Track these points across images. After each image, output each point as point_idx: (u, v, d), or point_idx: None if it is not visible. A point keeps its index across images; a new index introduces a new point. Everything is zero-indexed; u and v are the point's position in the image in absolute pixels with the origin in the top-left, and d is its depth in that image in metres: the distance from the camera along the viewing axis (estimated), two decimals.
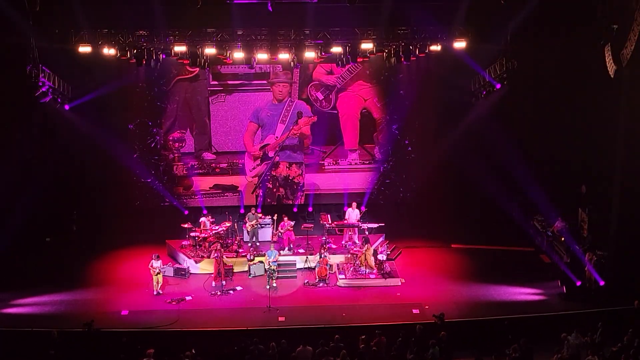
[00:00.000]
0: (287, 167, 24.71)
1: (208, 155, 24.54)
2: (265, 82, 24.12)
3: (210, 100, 24.19)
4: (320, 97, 24.38)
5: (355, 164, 24.92)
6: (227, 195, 24.74)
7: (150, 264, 18.98)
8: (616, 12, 17.71)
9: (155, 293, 18.95)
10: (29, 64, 18.96)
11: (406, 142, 24.78)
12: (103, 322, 16.70)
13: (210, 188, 24.67)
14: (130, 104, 23.88)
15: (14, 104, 20.90)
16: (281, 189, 24.82)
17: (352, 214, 21.72)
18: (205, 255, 20.54)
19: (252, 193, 24.71)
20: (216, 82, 24.09)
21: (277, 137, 24.43)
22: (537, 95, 22.20)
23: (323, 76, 24.23)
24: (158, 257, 19.11)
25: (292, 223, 21.55)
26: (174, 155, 24.41)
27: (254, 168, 24.68)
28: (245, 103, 24.30)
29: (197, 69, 22.81)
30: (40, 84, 19.52)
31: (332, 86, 24.30)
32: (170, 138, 24.28)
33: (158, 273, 19.00)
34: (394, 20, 20.00)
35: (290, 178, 24.76)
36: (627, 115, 18.47)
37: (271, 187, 24.72)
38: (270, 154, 24.55)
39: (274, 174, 24.70)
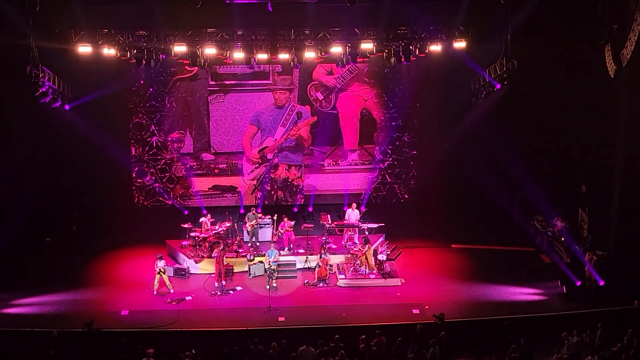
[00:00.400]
0: (286, 169, 24.68)
1: (207, 156, 24.50)
2: (264, 81, 24.07)
3: (209, 100, 24.17)
4: (320, 97, 24.37)
5: (355, 164, 24.90)
6: (226, 196, 24.73)
7: (155, 263, 19.02)
8: (616, 12, 17.72)
9: (155, 293, 18.96)
10: (29, 64, 18.95)
11: (406, 141, 24.77)
12: (103, 322, 16.69)
13: (209, 189, 24.63)
14: (129, 104, 23.86)
15: (14, 104, 20.88)
16: (280, 192, 24.77)
17: (352, 215, 21.73)
18: (205, 255, 20.54)
19: (251, 194, 24.70)
20: (215, 82, 24.04)
21: (275, 140, 24.41)
22: (537, 95, 22.20)
23: (323, 76, 24.22)
24: (161, 257, 19.16)
25: (292, 223, 21.56)
26: (173, 156, 24.37)
27: (252, 171, 24.64)
28: (245, 103, 24.27)
29: (196, 68, 22.81)
30: (40, 83, 19.51)
31: (332, 86, 24.28)
32: (169, 138, 24.21)
33: (159, 272, 19.01)
34: (394, 20, 19.99)
35: (289, 180, 24.73)
36: (627, 115, 18.48)
37: (269, 189, 24.69)
38: (269, 156, 24.53)
39: (273, 176, 24.66)
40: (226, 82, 24.06)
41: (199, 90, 24.07)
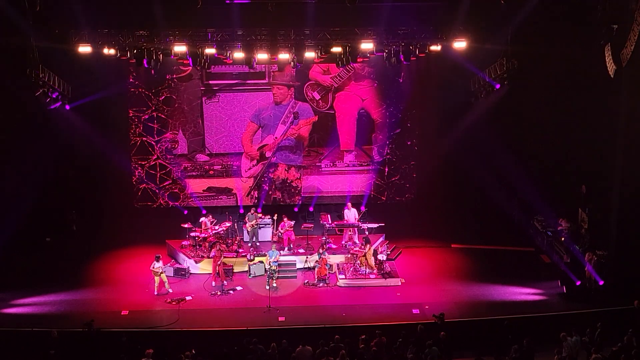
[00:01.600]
0: (285, 170, 24.63)
1: (201, 157, 24.43)
2: (260, 81, 23.94)
3: (203, 100, 24.07)
4: (317, 97, 24.30)
5: (353, 165, 24.83)
6: (221, 198, 24.64)
7: (151, 266, 18.99)
8: (616, 12, 17.72)
9: (156, 293, 18.96)
10: (29, 64, 18.94)
11: (406, 142, 24.75)
12: (103, 322, 16.70)
13: (203, 191, 24.55)
14: (127, 104, 23.85)
15: (14, 104, 20.88)
16: (277, 192, 24.74)
17: (350, 215, 21.74)
18: (205, 255, 20.55)
19: (247, 196, 24.61)
20: (209, 82, 23.93)
21: (276, 138, 24.37)
22: (537, 96, 22.20)
23: (319, 75, 24.14)
24: (159, 258, 19.12)
25: (292, 223, 21.56)
26: (168, 157, 24.28)
27: (249, 168, 24.59)
28: (240, 103, 24.15)
29: (190, 68, 22.85)
30: (41, 84, 19.52)
31: (329, 86, 24.20)
32: (163, 139, 24.13)
33: (161, 273, 19.02)
34: (394, 20, 19.99)
35: (288, 181, 24.70)
36: (627, 115, 18.48)
37: (267, 189, 24.64)
38: (268, 155, 24.48)
39: (272, 176, 24.62)
40: (221, 82, 23.95)
41: (193, 91, 23.97)
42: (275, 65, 23.34)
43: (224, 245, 20.21)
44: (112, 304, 18.49)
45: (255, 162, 24.52)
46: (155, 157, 24.22)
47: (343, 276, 19.83)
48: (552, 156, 22.56)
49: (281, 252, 20.51)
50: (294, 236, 21.39)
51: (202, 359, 14.87)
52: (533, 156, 22.78)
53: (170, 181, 24.44)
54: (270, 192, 24.68)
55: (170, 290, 19.07)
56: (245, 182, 24.61)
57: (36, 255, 21.38)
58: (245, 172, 24.57)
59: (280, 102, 24.15)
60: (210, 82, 23.95)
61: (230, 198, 24.62)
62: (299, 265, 20.54)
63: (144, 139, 24.07)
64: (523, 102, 22.15)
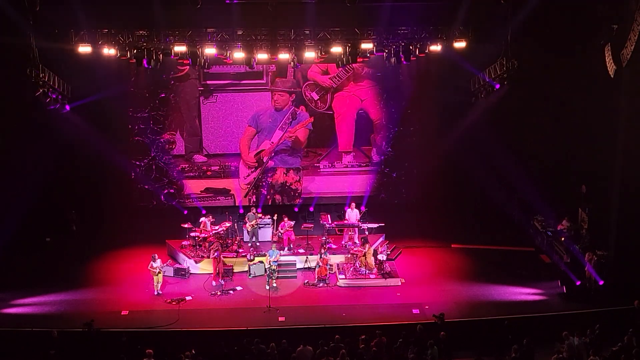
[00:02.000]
0: (284, 173, 24.60)
1: (199, 158, 24.40)
2: (257, 81, 23.89)
3: (200, 100, 24.03)
4: (316, 97, 24.27)
5: (352, 166, 24.80)
6: (219, 199, 24.61)
7: (149, 265, 18.98)
8: (616, 12, 17.74)
9: (155, 293, 18.95)
10: (29, 64, 18.95)
11: (406, 142, 24.74)
12: (103, 322, 16.70)
13: (201, 191, 24.53)
14: (125, 104, 23.84)
15: (14, 104, 20.89)
16: (277, 196, 24.70)
17: (352, 215, 21.72)
18: (205, 255, 20.54)
19: (245, 197, 24.59)
20: (206, 82, 23.88)
21: (272, 143, 24.31)
22: (537, 95, 22.21)
23: (318, 76, 24.10)
24: (155, 258, 19.09)
25: (292, 223, 21.54)
26: (165, 157, 24.24)
27: (248, 175, 24.54)
28: (238, 103, 24.11)
29: (187, 68, 22.85)
30: (41, 84, 19.51)
31: (328, 86, 24.15)
32: (161, 139, 24.10)
33: (159, 272, 19.02)
34: (394, 20, 19.99)
35: (287, 184, 24.67)
36: (627, 114, 18.48)
37: (266, 194, 24.59)
38: (265, 159, 24.43)
39: (271, 181, 24.57)
40: (218, 82, 23.89)
41: (190, 91, 23.89)
42: (274, 66, 23.31)
43: (219, 247, 20.13)
44: (112, 304, 18.48)
45: (253, 168, 24.47)
46: (152, 157, 24.20)
47: (343, 276, 19.82)
48: (552, 156, 22.58)
49: (281, 252, 20.50)
50: (294, 236, 21.37)
51: (202, 359, 14.88)
52: (533, 156, 22.80)
53: (167, 181, 24.41)
54: (268, 197, 24.63)
55: (161, 292, 18.97)
56: (244, 187, 24.57)
57: (36, 255, 21.39)
58: (245, 178, 24.54)
59: (281, 108, 24.11)
60: (208, 82, 23.92)
61: (228, 199, 24.60)
62: (299, 265, 20.53)
63: (141, 139, 24.04)
64: (523, 102, 22.16)
